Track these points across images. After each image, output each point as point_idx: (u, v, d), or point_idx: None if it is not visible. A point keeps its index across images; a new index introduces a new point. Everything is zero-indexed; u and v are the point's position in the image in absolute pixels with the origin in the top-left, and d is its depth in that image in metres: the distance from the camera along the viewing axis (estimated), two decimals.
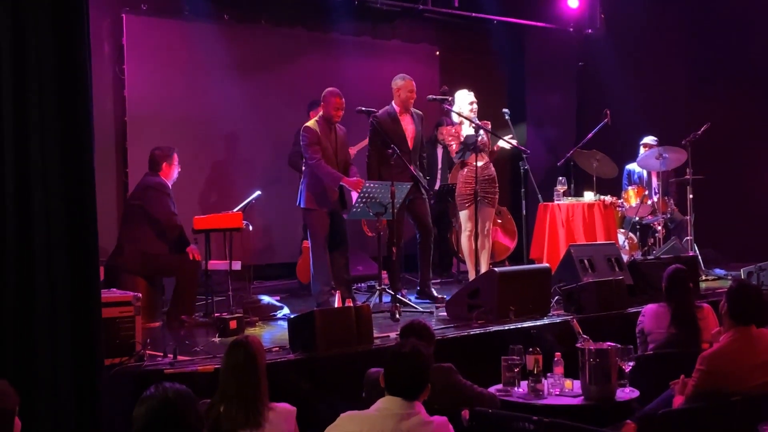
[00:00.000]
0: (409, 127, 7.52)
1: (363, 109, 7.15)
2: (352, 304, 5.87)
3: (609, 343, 4.79)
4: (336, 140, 7.23)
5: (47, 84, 4.27)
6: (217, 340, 5.87)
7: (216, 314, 6.45)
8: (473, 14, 10.19)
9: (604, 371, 4.64)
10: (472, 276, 7.49)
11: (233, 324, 6.00)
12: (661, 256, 8.02)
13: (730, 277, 8.45)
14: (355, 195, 6.96)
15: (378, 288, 7.10)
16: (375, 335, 5.58)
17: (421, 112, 7.68)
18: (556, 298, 6.91)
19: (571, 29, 11.04)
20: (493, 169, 7.76)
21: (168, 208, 6.79)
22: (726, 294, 4.48)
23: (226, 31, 9.06)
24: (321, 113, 7.24)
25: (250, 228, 7.24)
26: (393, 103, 7.53)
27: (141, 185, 6.94)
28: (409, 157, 7.38)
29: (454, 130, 7.62)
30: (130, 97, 8.53)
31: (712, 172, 9.29)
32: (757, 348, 4.38)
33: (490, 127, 7.70)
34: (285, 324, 5.89)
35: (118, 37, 8.51)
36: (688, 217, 9.01)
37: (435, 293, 7.57)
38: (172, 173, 6.95)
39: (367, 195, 6.81)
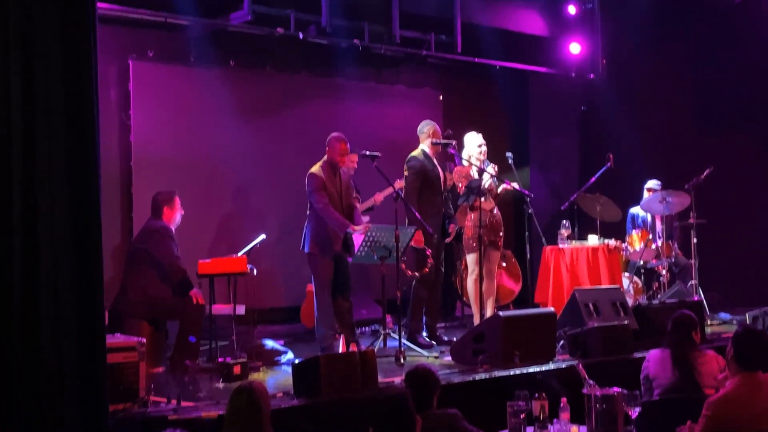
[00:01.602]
0: (440, 170, 7.68)
1: (368, 153, 7.20)
2: (356, 349, 5.86)
3: (615, 389, 4.76)
4: (341, 185, 7.28)
5: (56, 131, 4.31)
6: (221, 385, 5.85)
7: (220, 359, 6.44)
8: (476, 59, 10.28)
9: (611, 417, 4.59)
10: (477, 320, 7.49)
11: (237, 369, 5.99)
12: (666, 301, 8.01)
13: (735, 322, 8.42)
14: (358, 238, 6.98)
15: (382, 332, 7.09)
16: (380, 380, 5.56)
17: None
18: (561, 342, 6.89)
19: (574, 74, 11.13)
20: (499, 213, 7.79)
21: (171, 251, 6.81)
22: (732, 339, 4.46)
23: (232, 76, 9.14)
24: (326, 158, 7.29)
25: (255, 272, 7.25)
26: (423, 146, 7.65)
27: (144, 229, 6.97)
28: (443, 198, 7.49)
29: (464, 172, 7.68)
30: (136, 143, 8.59)
31: (716, 216, 9.31)
32: (763, 394, 4.35)
33: (496, 170, 7.74)
34: (289, 369, 5.87)
35: (125, 83, 8.59)
36: (693, 261, 9.00)
37: (443, 337, 7.60)
38: (174, 217, 6.98)
39: (371, 239, 6.84)
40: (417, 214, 7.15)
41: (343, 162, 7.25)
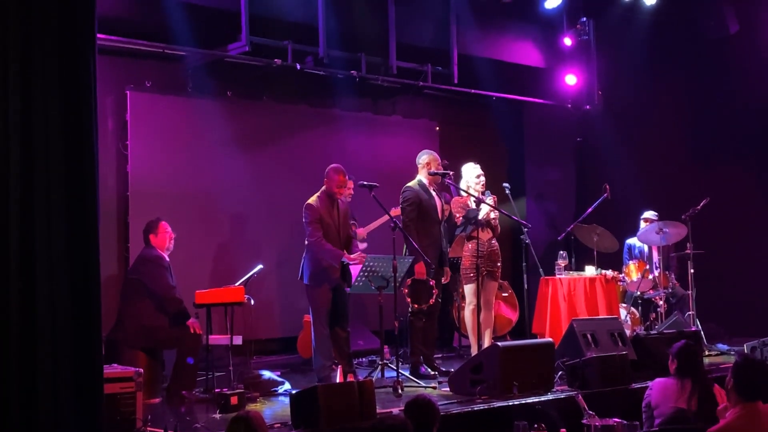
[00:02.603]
0: (438, 200, 7.65)
1: (365, 183, 7.21)
2: (353, 379, 5.82)
3: (615, 419, 4.75)
4: (338, 216, 7.28)
5: (55, 164, 4.31)
6: (218, 416, 5.81)
7: (217, 390, 6.40)
8: (472, 90, 10.34)
9: None
10: (474, 350, 7.47)
11: (234, 400, 5.95)
12: (664, 331, 7.99)
13: (733, 353, 8.40)
14: (356, 269, 6.97)
15: (380, 363, 7.06)
16: (378, 411, 5.53)
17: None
18: (560, 373, 6.86)
19: (570, 105, 11.19)
20: (496, 243, 7.79)
21: (166, 281, 6.80)
22: (732, 369, 4.46)
23: (229, 107, 9.17)
24: (323, 189, 7.30)
25: (252, 302, 7.22)
26: (420, 176, 7.65)
27: (138, 259, 6.99)
28: (439, 228, 7.47)
29: (462, 202, 7.68)
30: (133, 173, 8.58)
31: (713, 246, 9.32)
32: (763, 424, 4.34)
33: (495, 201, 7.75)
34: (286, 399, 5.85)
35: (122, 113, 8.61)
36: (690, 292, 8.99)
37: (441, 368, 7.58)
38: (163, 243, 6.97)
39: (369, 269, 6.83)
40: (415, 244, 7.14)
41: (341, 193, 7.26)
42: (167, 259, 6.99)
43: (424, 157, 7.76)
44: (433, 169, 7.66)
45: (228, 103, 9.21)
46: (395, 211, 7.66)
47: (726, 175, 10.17)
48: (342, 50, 9.01)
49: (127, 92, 8.60)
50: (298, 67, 8.78)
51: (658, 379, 5.47)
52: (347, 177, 7.32)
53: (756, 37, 10.26)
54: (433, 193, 7.70)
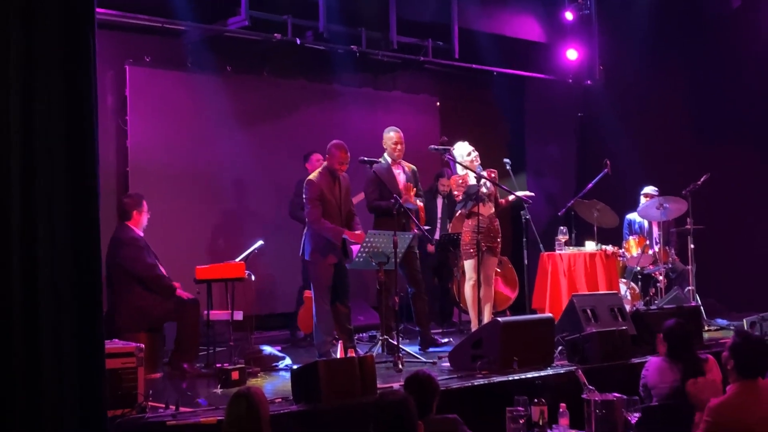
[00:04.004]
0: (400, 177, 7.60)
1: (366, 159, 7.21)
2: (354, 355, 5.84)
3: (615, 394, 4.77)
4: (340, 192, 7.27)
5: (55, 138, 4.30)
6: (219, 391, 5.83)
7: (218, 365, 6.41)
8: (473, 66, 10.30)
9: (611, 422, 4.61)
10: (474, 326, 7.48)
11: (235, 375, 5.97)
12: (664, 306, 8.01)
13: (732, 327, 8.42)
14: (357, 245, 6.98)
15: (380, 338, 7.09)
16: (379, 386, 5.55)
17: (413, 166, 7.75)
18: (560, 348, 6.88)
19: (571, 80, 11.15)
20: (497, 219, 7.78)
21: (144, 261, 6.73)
22: (729, 348, 4.48)
23: (229, 82, 9.15)
24: (325, 165, 7.28)
25: (253, 278, 7.23)
26: (386, 154, 7.64)
27: (114, 243, 6.79)
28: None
29: (461, 180, 7.65)
30: (133, 148, 8.58)
31: (713, 222, 9.32)
32: (763, 401, 4.36)
33: (495, 176, 7.74)
34: (287, 375, 5.86)
35: (122, 88, 8.59)
36: (690, 267, 9.00)
37: (441, 340, 7.61)
38: (142, 221, 6.92)
39: (369, 245, 6.83)
40: (420, 225, 7.18)
41: (342, 170, 7.24)
42: (142, 235, 6.92)
43: (388, 135, 7.71)
44: (389, 148, 7.59)
45: (228, 78, 9.18)
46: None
47: (727, 151, 10.14)
48: (342, 25, 8.98)
49: (127, 67, 8.57)
50: (298, 42, 8.74)
51: (652, 359, 5.49)
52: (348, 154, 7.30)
53: (758, 13, 10.20)
54: (397, 170, 7.65)
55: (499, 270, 9.14)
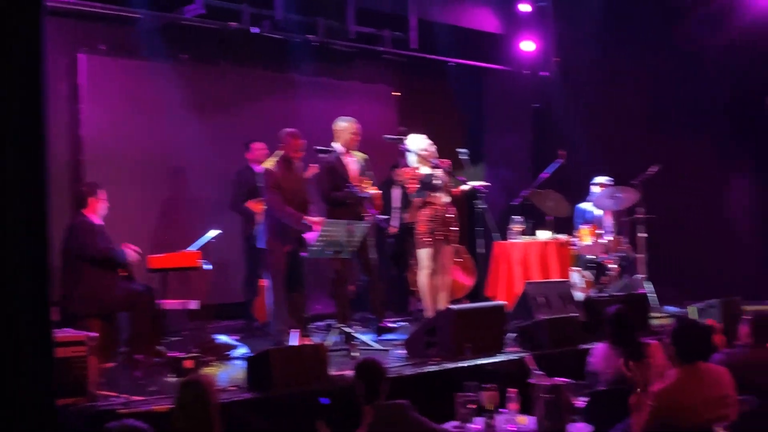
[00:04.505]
0: (353, 166, 7.64)
1: (321, 148, 7.25)
2: (309, 343, 5.87)
3: (562, 379, 4.86)
4: (296, 181, 7.29)
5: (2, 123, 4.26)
6: (172, 379, 5.84)
7: (172, 354, 6.41)
8: (430, 56, 10.35)
9: (557, 406, 4.69)
10: (430, 314, 7.55)
11: (189, 364, 5.98)
12: (614, 294, 8.14)
13: (680, 314, 8.58)
14: (312, 234, 7.00)
15: (335, 326, 7.13)
16: (331, 373, 5.60)
17: (364, 154, 7.78)
18: (513, 335, 6.98)
19: (527, 72, 11.25)
20: (453, 208, 7.85)
21: (98, 245, 6.69)
22: (670, 334, 4.60)
23: (185, 71, 9.09)
24: (281, 154, 7.30)
25: (208, 267, 7.23)
26: (338, 143, 7.65)
27: (67, 230, 6.74)
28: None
29: (411, 171, 7.70)
30: (86, 137, 8.51)
31: (665, 211, 9.48)
32: (705, 384, 4.47)
33: (449, 166, 7.80)
34: (242, 363, 5.89)
35: (75, 76, 8.51)
36: (641, 256, 9.16)
37: (391, 326, 7.68)
38: (99, 209, 6.86)
39: (326, 234, 6.86)
40: (369, 208, 7.21)
41: (298, 157, 7.26)
42: (101, 223, 6.87)
43: (340, 124, 7.71)
44: (346, 138, 7.61)
45: (183, 66, 9.13)
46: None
47: (679, 141, 10.30)
48: (299, 14, 8.97)
49: (79, 55, 8.49)
50: (255, 30, 8.72)
51: (598, 346, 5.60)
52: (303, 141, 7.32)
53: (713, 6, 10.36)
54: (350, 159, 7.68)
55: (457, 259, 9.23)
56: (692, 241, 10.24)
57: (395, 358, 6.52)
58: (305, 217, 7.11)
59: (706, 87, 10.36)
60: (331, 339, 6.99)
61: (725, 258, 10.15)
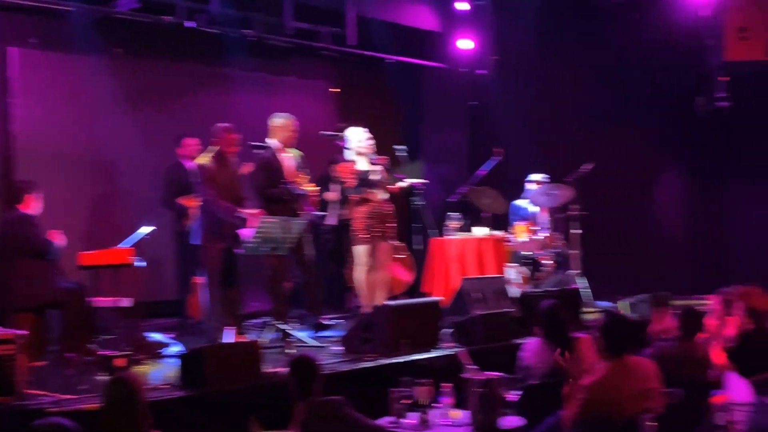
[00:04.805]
0: (288, 163, 7.61)
1: (257, 144, 7.21)
2: (244, 340, 5.84)
3: (495, 373, 4.90)
4: (231, 176, 7.23)
5: None
6: (102, 378, 5.74)
7: (103, 352, 6.31)
8: (368, 53, 10.35)
9: (490, 400, 4.73)
10: (367, 311, 7.56)
11: (121, 362, 5.89)
12: (548, 289, 8.26)
13: (612, 309, 8.73)
14: (248, 231, 6.96)
15: (271, 323, 7.10)
16: (265, 370, 5.57)
17: (299, 151, 7.75)
18: (448, 330, 7.03)
19: (465, 70, 11.32)
20: (390, 204, 7.86)
21: (39, 237, 6.58)
22: (598, 328, 4.68)
23: (118, 65, 8.94)
24: (215, 149, 7.23)
25: (143, 264, 7.13)
26: (274, 139, 7.58)
27: (10, 222, 6.65)
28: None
29: (349, 167, 7.69)
30: (17, 132, 8.33)
31: (599, 207, 9.64)
32: (633, 377, 4.56)
33: (387, 162, 7.81)
34: (175, 361, 5.83)
35: (5, 70, 8.32)
36: (575, 252, 9.30)
37: (328, 322, 7.66)
38: (35, 205, 6.74)
39: (262, 231, 6.82)
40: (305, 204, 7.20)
41: (232, 152, 7.20)
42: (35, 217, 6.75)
43: (277, 121, 7.65)
44: (283, 135, 7.56)
45: (117, 61, 8.97)
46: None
47: (612, 140, 10.51)
48: (235, 9, 8.89)
49: (9, 49, 8.32)
50: (190, 24, 8.62)
51: (530, 341, 5.67)
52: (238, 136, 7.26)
53: (641, 5, 10.57)
54: (285, 155, 7.64)
55: (396, 255, 9.25)
56: (624, 238, 10.45)
57: (331, 355, 6.52)
58: (240, 209, 7.04)
59: (639, 87, 10.58)
60: (268, 336, 6.96)
61: (655, 253, 10.38)
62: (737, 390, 4.42)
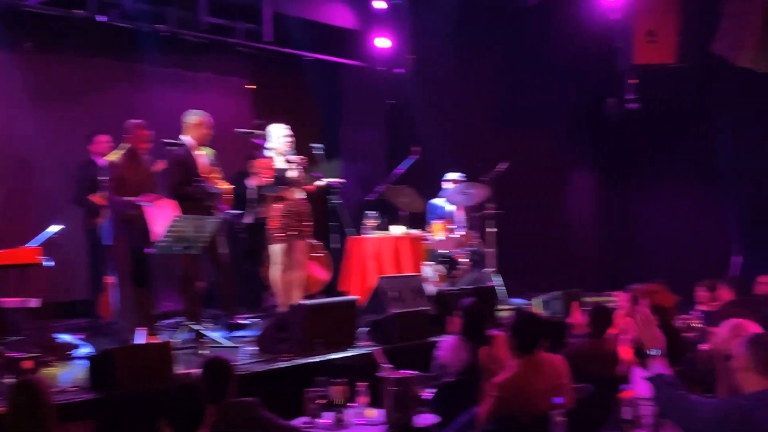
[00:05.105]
0: (202, 161, 7.51)
1: (170, 141, 7.09)
2: (156, 341, 5.73)
3: (410, 372, 4.92)
4: (143, 173, 7.09)
5: None
6: (9, 381, 5.57)
7: (11, 354, 6.11)
8: (285, 50, 10.28)
9: (405, 398, 4.74)
10: (284, 310, 7.51)
11: (28, 364, 5.70)
12: (464, 287, 8.35)
13: (526, 306, 8.87)
14: (160, 229, 6.84)
15: (184, 324, 6.99)
16: (178, 372, 5.48)
17: (212, 149, 7.65)
18: (365, 329, 7.04)
19: (382, 68, 11.34)
20: (307, 203, 7.83)
21: None
22: (508, 326, 4.74)
23: (28, 59, 8.71)
24: (127, 146, 7.09)
25: (52, 263, 6.93)
26: (188, 136, 7.47)
27: None
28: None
29: (267, 164, 7.63)
30: None
31: (514, 206, 9.79)
32: (543, 374, 4.63)
33: (306, 162, 7.77)
34: (85, 362, 5.68)
35: None
36: (490, 250, 9.42)
37: (243, 322, 7.59)
38: None
39: (174, 230, 6.71)
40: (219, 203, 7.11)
41: (144, 149, 7.06)
42: None
43: (192, 118, 7.54)
44: (198, 133, 7.48)
45: (27, 55, 8.73)
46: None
47: (526, 140, 10.67)
48: (148, 3, 8.73)
49: None
50: (102, 19, 8.43)
51: (446, 338, 5.71)
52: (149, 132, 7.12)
53: (553, 8, 10.76)
54: (199, 153, 7.53)
55: (312, 254, 9.22)
56: (538, 236, 10.62)
57: (246, 355, 6.46)
58: (136, 198, 6.86)
59: (552, 87, 10.76)
60: (180, 337, 6.85)
61: (568, 251, 10.58)
62: (644, 385, 4.52)
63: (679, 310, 7.02)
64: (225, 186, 7.54)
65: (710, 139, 10.78)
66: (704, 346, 5.67)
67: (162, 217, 6.85)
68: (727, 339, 4.06)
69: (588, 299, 7.72)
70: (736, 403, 3.60)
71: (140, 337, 6.54)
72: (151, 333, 6.81)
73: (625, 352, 5.72)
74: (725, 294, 7.80)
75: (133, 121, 7.06)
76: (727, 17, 10.05)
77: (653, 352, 3.83)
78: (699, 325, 6.98)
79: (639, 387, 4.51)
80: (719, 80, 10.54)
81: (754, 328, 4.06)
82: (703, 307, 7.83)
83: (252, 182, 9.29)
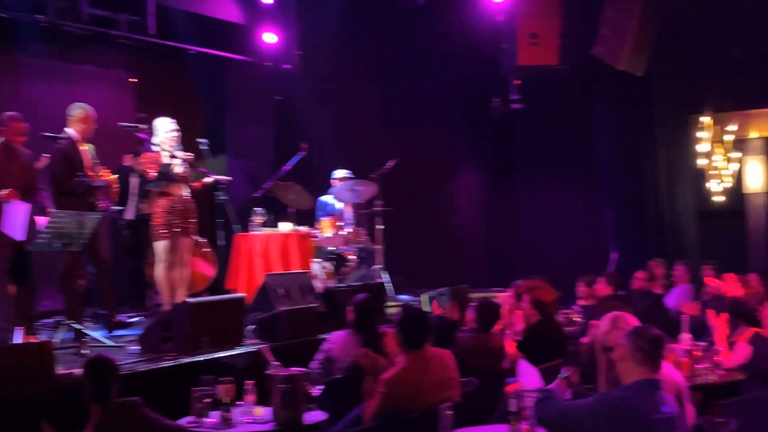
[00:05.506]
0: (86, 155, 7.30)
1: (50, 135, 6.85)
2: (35, 341, 5.53)
3: (297, 369, 4.90)
4: (19, 166, 6.82)
5: None
6: None
7: None
8: (170, 43, 10.07)
9: (293, 396, 4.72)
10: (168, 309, 7.36)
11: None
12: (352, 284, 8.37)
13: (413, 302, 8.97)
14: (40, 225, 6.60)
15: (64, 323, 6.77)
16: (60, 372, 5.31)
17: (93, 145, 7.43)
18: (252, 327, 6.97)
19: (269, 63, 11.24)
20: (191, 199, 7.69)
21: None
22: (395, 323, 4.79)
23: None
24: (1, 140, 6.80)
25: None
26: (73, 130, 7.24)
27: None
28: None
29: (154, 158, 7.45)
30: None
31: (401, 203, 9.88)
32: (431, 369, 4.69)
33: (192, 158, 7.63)
34: None
35: None
36: (379, 247, 9.48)
37: (125, 321, 7.41)
38: None
39: (54, 226, 6.48)
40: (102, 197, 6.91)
41: (19, 142, 6.78)
42: None
43: (77, 111, 7.34)
44: (82, 126, 7.27)
45: None
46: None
47: (413, 138, 10.80)
48: None
49: None
50: None
51: (337, 333, 5.73)
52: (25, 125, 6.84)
53: (440, 9, 10.92)
54: (83, 147, 7.32)
55: (197, 251, 9.07)
56: (425, 233, 10.76)
57: (129, 355, 6.30)
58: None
59: (439, 86, 10.92)
60: (61, 336, 6.63)
61: (455, 248, 10.76)
62: (528, 378, 4.64)
63: (561, 305, 7.25)
64: (111, 177, 7.34)
65: (590, 140, 11.16)
66: (585, 339, 5.88)
67: (8, 215, 6.55)
68: (607, 332, 4.20)
69: (474, 295, 7.87)
70: (610, 396, 3.76)
71: (18, 337, 6.29)
72: (30, 332, 6.56)
73: (510, 347, 5.87)
74: (603, 289, 8.11)
75: (8, 113, 6.78)
76: (606, 22, 10.42)
77: None
78: (579, 319, 7.23)
79: (524, 380, 4.63)
80: (600, 83, 10.92)
81: (633, 321, 4.22)
82: (583, 302, 8.11)
83: (135, 178, 9.09)
